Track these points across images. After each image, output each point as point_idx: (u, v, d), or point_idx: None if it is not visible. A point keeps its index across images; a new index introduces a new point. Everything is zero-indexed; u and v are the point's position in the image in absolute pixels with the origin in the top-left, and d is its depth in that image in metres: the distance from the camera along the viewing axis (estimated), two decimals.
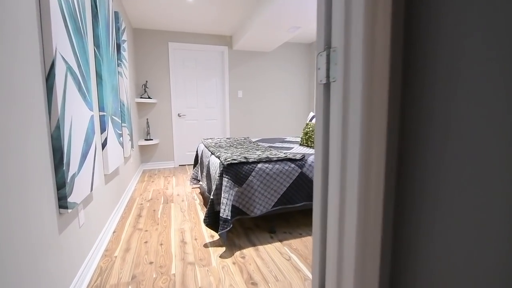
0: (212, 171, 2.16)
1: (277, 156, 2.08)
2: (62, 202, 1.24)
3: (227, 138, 3.47)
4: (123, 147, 2.64)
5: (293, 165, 2.06)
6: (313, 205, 0.85)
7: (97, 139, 1.89)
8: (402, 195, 0.66)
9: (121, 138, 2.54)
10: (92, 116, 1.69)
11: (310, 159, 2.16)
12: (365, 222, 0.66)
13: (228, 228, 1.79)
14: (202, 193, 3.15)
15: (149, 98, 4.30)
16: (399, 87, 0.65)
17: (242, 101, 5.04)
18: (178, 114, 4.69)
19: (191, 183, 3.25)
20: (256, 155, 2.10)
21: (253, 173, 1.93)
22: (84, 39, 1.59)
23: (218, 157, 2.10)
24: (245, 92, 5.03)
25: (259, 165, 1.97)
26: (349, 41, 0.66)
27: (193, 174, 3.27)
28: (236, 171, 1.89)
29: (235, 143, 3.09)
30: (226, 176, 1.87)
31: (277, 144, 3.13)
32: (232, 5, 3.48)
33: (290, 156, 2.10)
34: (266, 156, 2.04)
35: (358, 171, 0.64)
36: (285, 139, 3.60)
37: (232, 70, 4.89)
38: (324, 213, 0.80)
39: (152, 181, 3.72)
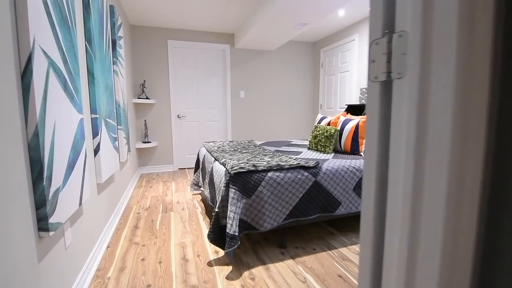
0: (216, 179, 1.96)
1: (288, 163, 1.88)
2: (42, 224, 1.04)
3: (230, 142, 3.27)
4: (118, 152, 2.43)
5: (306, 173, 1.86)
6: (362, 215, 0.66)
7: (88, 145, 1.69)
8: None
9: (116, 142, 2.34)
10: (81, 120, 1.48)
11: (325, 166, 1.96)
12: (454, 227, 0.47)
13: (236, 246, 1.59)
14: (203, 200, 2.95)
15: (147, 98, 4.10)
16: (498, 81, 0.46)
17: (244, 101, 4.84)
18: (178, 115, 4.49)
19: (192, 189, 3.05)
20: (265, 162, 1.90)
21: (263, 183, 1.73)
22: (72, 31, 1.39)
23: (223, 164, 1.90)
24: (247, 92, 4.84)
25: (270, 174, 1.77)
26: (430, 21, 0.47)
27: (194, 179, 3.07)
28: (244, 181, 1.69)
29: (239, 147, 2.89)
30: (234, 187, 1.67)
31: (284, 148, 2.93)
32: (234, 0, 3.28)
33: (303, 163, 1.91)
34: (276, 163, 1.85)
35: (445, 182, 0.45)
36: (291, 142, 3.40)
37: (234, 69, 4.69)
38: (381, 222, 0.61)
39: (150, 187, 3.51)
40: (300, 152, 2.67)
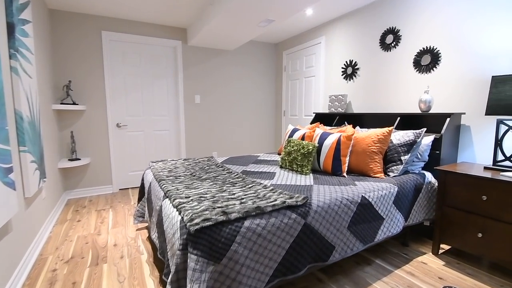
0: (167, 229, 1.36)
1: (270, 202, 1.37)
2: None
3: (185, 160, 2.65)
4: (15, 188, 1.65)
5: (294, 215, 1.38)
6: None
7: None
8: None
9: (11, 175, 1.56)
10: None
11: (315, 200, 1.50)
12: None
13: None
14: (151, 238, 2.28)
15: (73, 103, 3.22)
16: None
17: (200, 107, 4.21)
18: (117, 124, 3.67)
19: (136, 221, 2.36)
20: (238, 202, 1.37)
21: (239, 238, 1.20)
22: None
23: (178, 209, 1.31)
24: (203, 96, 4.22)
25: (247, 223, 1.24)
26: None
27: (138, 210, 2.38)
28: (210, 241, 1.14)
29: (197, 168, 2.30)
30: (195, 252, 1.10)
31: (252, 167, 2.42)
32: None
33: (288, 199, 1.42)
34: (255, 205, 1.32)
35: None
36: (258, 158, 2.91)
37: (188, 70, 4.04)
38: None
39: (78, 221, 2.68)
40: (273, 174, 2.19)
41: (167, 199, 1.54)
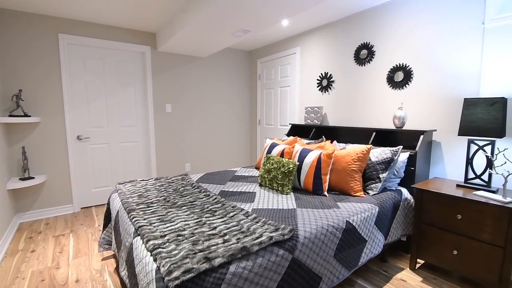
0: (140, 276, 1.20)
1: (257, 239, 1.27)
2: None
3: (157, 180, 2.45)
4: None
5: (281, 251, 1.29)
6: None
7: None
8: None
9: None
10: None
11: (301, 231, 1.43)
12: None
13: None
14: (119, 273, 2.06)
15: (25, 115, 2.85)
16: None
17: (172, 117, 3.99)
18: (78, 136, 3.33)
19: (101, 249, 2.13)
20: (221, 242, 1.25)
21: (223, 287, 1.08)
22: None
23: (153, 255, 1.15)
24: (175, 105, 4.00)
25: (232, 268, 1.12)
26: None
27: (104, 238, 2.14)
28: None
29: (171, 190, 2.13)
30: None
31: (230, 187, 2.30)
32: None
33: (276, 235, 1.33)
34: (240, 244, 1.21)
35: None
36: (236, 174, 2.79)
37: (157, 77, 3.80)
38: None
39: (33, 251, 2.37)
40: (253, 194, 2.09)
41: (139, 237, 1.37)
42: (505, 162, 1.73)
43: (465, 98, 1.89)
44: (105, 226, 2.17)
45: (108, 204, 2.19)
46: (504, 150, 1.75)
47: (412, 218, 2.20)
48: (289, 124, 3.69)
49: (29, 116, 2.89)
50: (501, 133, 1.74)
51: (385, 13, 2.65)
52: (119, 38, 3.46)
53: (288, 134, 3.57)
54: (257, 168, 3.04)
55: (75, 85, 3.27)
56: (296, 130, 3.62)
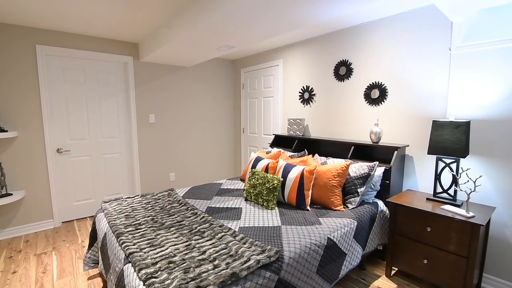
0: None
1: (245, 263, 1.35)
2: None
3: (143, 197, 2.46)
4: None
5: (268, 273, 1.38)
6: None
7: None
8: None
9: None
10: None
11: (286, 252, 1.53)
12: None
13: None
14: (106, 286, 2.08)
15: (1, 130, 2.76)
16: None
17: (155, 127, 3.98)
18: (58, 149, 3.25)
19: (87, 267, 2.13)
20: (211, 268, 1.31)
21: None
22: None
23: (146, 285, 1.20)
24: (158, 115, 3.98)
25: None
26: None
27: (90, 257, 2.14)
28: None
29: (158, 209, 2.16)
30: None
31: (217, 203, 2.37)
32: (142, 5, 2.49)
33: (262, 257, 1.41)
34: (230, 270, 1.28)
35: None
36: (221, 187, 2.86)
37: (140, 87, 3.77)
38: None
39: (14, 272, 2.31)
40: (240, 210, 2.17)
41: (130, 264, 1.41)
42: (468, 181, 1.92)
43: (433, 121, 2.06)
44: (90, 245, 2.16)
45: (94, 224, 2.18)
46: (467, 170, 1.94)
47: (387, 228, 2.37)
48: (273, 134, 3.79)
49: (6, 131, 2.80)
50: (464, 153, 1.92)
51: (363, 33, 2.81)
52: (100, 48, 3.40)
53: (272, 145, 3.67)
54: (242, 180, 3.12)
55: (54, 97, 3.19)
56: (280, 141, 3.73)
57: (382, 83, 2.68)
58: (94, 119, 3.48)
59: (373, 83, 2.75)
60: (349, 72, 2.95)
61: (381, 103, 2.71)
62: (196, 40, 2.68)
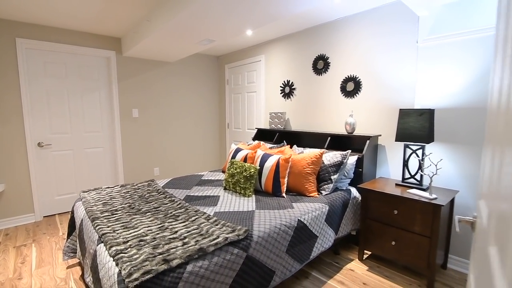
0: (104, 281, 1.29)
1: (213, 240, 1.41)
2: None
3: (122, 187, 2.50)
4: None
5: (236, 250, 1.45)
6: None
7: None
8: None
9: None
10: None
11: (255, 231, 1.60)
12: None
13: None
14: (84, 279, 2.10)
15: None
16: None
17: (139, 121, 4.00)
18: (38, 143, 3.25)
19: (66, 257, 2.15)
20: (181, 244, 1.37)
21: (181, 285, 1.21)
22: None
23: (115, 260, 1.25)
24: (142, 110, 4.01)
25: (189, 268, 1.26)
26: None
27: (69, 246, 2.16)
28: None
29: (137, 197, 2.20)
30: None
31: (196, 192, 2.42)
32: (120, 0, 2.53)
33: (231, 235, 1.48)
34: (198, 246, 1.35)
35: None
36: (202, 178, 2.91)
37: (123, 82, 3.79)
38: None
39: None
40: (217, 198, 2.23)
41: (102, 244, 1.45)
42: (430, 165, 2.03)
43: (400, 109, 2.17)
44: (69, 234, 2.19)
45: (72, 212, 2.21)
46: (429, 154, 2.05)
47: (360, 214, 2.46)
48: (255, 128, 3.86)
49: None
50: (428, 139, 2.03)
51: (338, 28, 2.91)
52: (82, 42, 3.41)
53: (254, 138, 3.74)
54: (224, 171, 3.18)
55: (35, 91, 3.18)
56: (262, 134, 3.80)
57: (357, 76, 2.78)
58: (76, 113, 3.48)
59: (348, 76, 2.86)
60: (326, 66, 3.05)
61: (356, 95, 2.81)
62: (176, 33, 2.73)
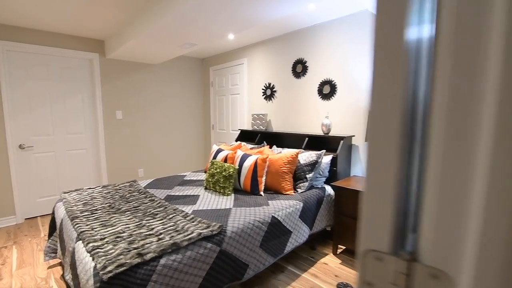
0: (81, 275, 1.36)
1: (187, 235, 1.50)
2: None
3: (104, 187, 2.54)
4: None
5: (210, 245, 1.54)
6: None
7: None
8: None
9: None
10: None
11: (230, 227, 1.69)
12: None
13: None
14: (65, 278, 2.14)
15: None
16: None
17: (123, 123, 4.03)
18: (20, 145, 3.24)
19: (47, 257, 2.18)
20: (155, 240, 1.46)
21: (154, 277, 1.29)
22: None
23: (91, 255, 1.32)
24: (126, 111, 4.04)
25: (163, 261, 1.34)
26: None
27: (50, 246, 2.20)
28: (125, 285, 1.20)
29: (117, 197, 2.26)
30: None
31: (177, 191, 2.49)
32: (104, 1, 2.58)
33: (205, 231, 1.57)
34: (171, 241, 1.43)
35: None
36: (185, 178, 2.98)
37: (107, 84, 3.82)
38: None
39: None
40: (197, 197, 2.31)
41: (80, 241, 1.52)
42: None
43: (368, 110, 2.31)
44: (50, 234, 2.22)
45: (53, 213, 2.24)
46: None
47: (333, 211, 2.59)
48: (238, 129, 3.96)
49: None
50: None
51: (316, 34, 3.04)
52: (64, 45, 3.43)
53: (237, 139, 3.84)
54: (206, 172, 3.26)
55: (16, 93, 3.18)
56: (245, 135, 3.90)
57: (332, 80, 2.92)
58: (58, 115, 3.49)
59: (325, 79, 2.99)
60: (304, 69, 3.18)
61: (332, 98, 2.95)
62: (159, 37, 2.80)
